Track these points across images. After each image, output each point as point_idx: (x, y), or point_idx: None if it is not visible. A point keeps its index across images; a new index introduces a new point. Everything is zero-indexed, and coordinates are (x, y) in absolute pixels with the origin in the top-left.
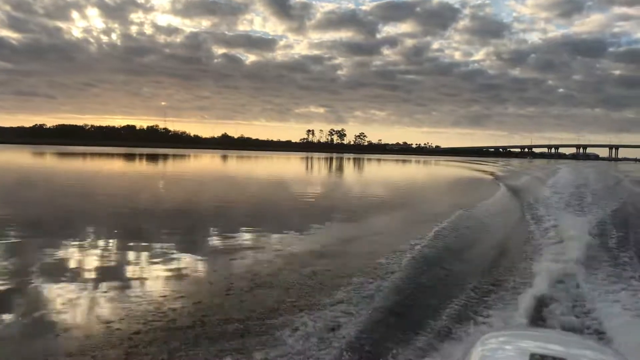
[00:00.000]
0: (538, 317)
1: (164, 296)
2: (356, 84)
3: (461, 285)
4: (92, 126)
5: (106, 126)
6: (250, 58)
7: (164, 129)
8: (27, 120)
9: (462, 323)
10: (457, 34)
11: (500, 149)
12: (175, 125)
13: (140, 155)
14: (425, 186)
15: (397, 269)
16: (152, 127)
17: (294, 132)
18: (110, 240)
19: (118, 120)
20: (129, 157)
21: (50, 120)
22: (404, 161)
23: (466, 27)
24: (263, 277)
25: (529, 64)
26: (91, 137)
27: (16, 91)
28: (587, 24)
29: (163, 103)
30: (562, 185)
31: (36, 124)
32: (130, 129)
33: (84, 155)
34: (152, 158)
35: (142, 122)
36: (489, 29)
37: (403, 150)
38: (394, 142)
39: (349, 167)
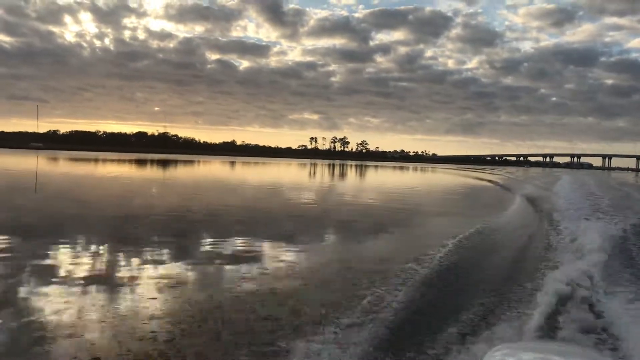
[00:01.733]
0: (551, 330)
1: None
2: (350, 90)
3: (472, 297)
4: (104, 132)
5: (118, 132)
6: (243, 64)
7: (174, 135)
8: (20, 124)
9: (471, 336)
10: (450, 42)
11: (496, 157)
12: (168, 130)
13: (159, 162)
14: (436, 195)
15: (409, 281)
16: (163, 134)
17: (288, 138)
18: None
19: (111, 125)
20: (149, 163)
21: (43, 125)
22: (407, 169)
23: (459, 35)
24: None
25: (521, 72)
26: (104, 143)
27: (9, 95)
28: (578, 34)
29: (156, 108)
30: (571, 195)
31: (50, 130)
32: (141, 135)
33: (106, 160)
34: (169, 164)
35: (135, 127)
36: (481, 37)
37: (402, 158)
38: (392, 150)
39: (360, 175)
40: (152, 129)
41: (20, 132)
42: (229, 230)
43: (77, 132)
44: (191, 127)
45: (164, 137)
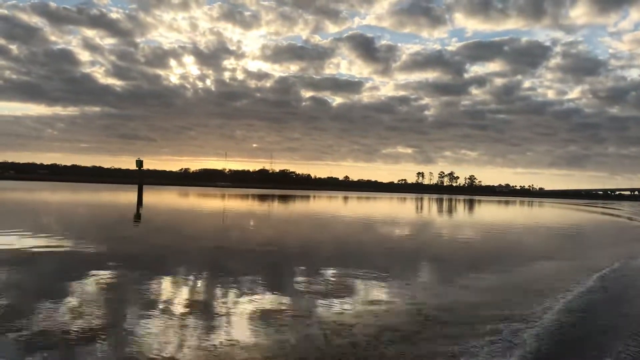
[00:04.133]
0: None
1: None
2: (444, 124)
3: (610, 344)
4: (229, 170)
5: (242, 170)
6: (337, 100)
7: (292, 172)
8: (129, 161)
9: None
10: (549, 72)
11: (609, 192)
12: (268, 166)
13: (297, 197)
14: (574, 231)
15: (540, 320)
16: (282, 171)
17: (382, 172)
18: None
19: (213, 162)
20: (294, 198)
21: (151, 163)
22: (522, 204)
23: (558, 65)
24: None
25: (628, 101)
26: (229, 179)
27: (120, 134)
28: None
29: (255, 145)
30: None
31: (182, 169)
32: (263, 172)
33: (273, 197)
34: (307, 199)
35: (236, 164)
36: (583, 66)
37: (510, 192)
38: (497, 184)
39: (488, 210)
40: (253, 165)
41: (163, 171)
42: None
43: (206, 170)
44: (287, 163)
45: (283, 174)
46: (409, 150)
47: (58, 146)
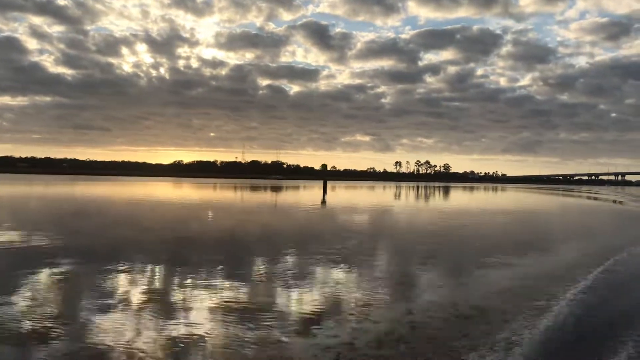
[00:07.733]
0: None
1: None
2: (401, 111)
3: (617, 340)
4: (222, 162)
5: (232, 161)
6: (294, 88)
7: (282, 162)
8: (83, 152)
9: None
10: (501, 59)
11: (569, 177)
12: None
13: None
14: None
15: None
16: (274, 161)
17: (342, 160)
18: None
19: (170, 152)
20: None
21: (106, 154)
22: (504, 190)
23: (509, 52)
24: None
25: (577, 88)
26: (222, 170)
27: (73, 125)
28: (636, 47)
29: (212, 134)
30: None
31: (175, 160)
32: (255, 163)
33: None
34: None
35: (192, 153)
36: (533, 54)
37: (479, 179)
38: (462, 171)
39: (489, 196)
40: (212, 155)
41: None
42: None
43: (199, 162)
44: (246, 152)
45: (275, 164)
46: (367, 138)
47: (9, 137)
